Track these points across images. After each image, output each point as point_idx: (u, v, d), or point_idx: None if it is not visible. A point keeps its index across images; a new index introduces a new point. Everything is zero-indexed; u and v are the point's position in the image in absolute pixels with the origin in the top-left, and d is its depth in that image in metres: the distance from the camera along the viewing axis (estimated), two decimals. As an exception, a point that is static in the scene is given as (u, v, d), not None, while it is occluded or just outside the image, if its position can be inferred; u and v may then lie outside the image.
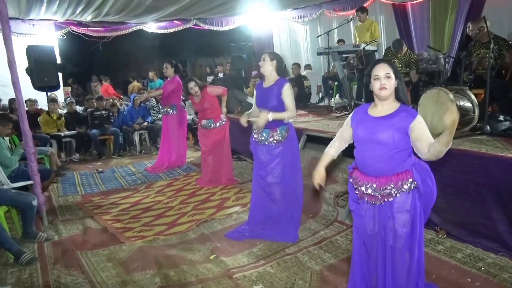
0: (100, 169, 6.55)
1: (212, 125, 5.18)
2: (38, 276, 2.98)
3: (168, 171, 6.18)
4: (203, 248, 3.45)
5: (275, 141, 3.43)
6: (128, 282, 2.89)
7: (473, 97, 3.79)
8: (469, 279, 2.71)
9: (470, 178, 3.11)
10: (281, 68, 3.48)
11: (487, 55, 4.25)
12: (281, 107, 3.39)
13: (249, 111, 3.69)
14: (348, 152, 4.51)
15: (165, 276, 2.93)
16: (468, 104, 3.76)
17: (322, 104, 7.84)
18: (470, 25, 4.79)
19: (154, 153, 7.59)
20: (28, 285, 2.86)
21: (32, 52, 7.15)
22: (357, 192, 2.31)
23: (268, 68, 3.42)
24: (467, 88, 3.95)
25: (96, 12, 6.86)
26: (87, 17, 7.45)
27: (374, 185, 2.17)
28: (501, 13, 4.64)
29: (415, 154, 2.21)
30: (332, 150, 2.52)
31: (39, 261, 3.19)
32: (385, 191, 2.15)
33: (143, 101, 6.94)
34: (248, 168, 5.96)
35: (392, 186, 2.14)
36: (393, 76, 2.11)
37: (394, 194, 2.15)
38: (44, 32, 8.33)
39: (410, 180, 2.14)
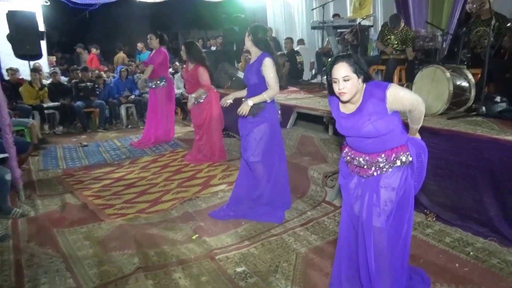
0: (84, 143, 6.35)
1: (196, 100, 5.01)
2: (10, 253, 2.84)
3: (155, 147, 6.01)
4: (186, 228, 3.34)
5: (250, 113, 3.28)
6: (105, 262, 2.77)
7: (470, 76, 3.65)
8: (457, 264, 2.63)
9: (463, 160, 3.00)
10: (258, 40, 3.25)
11: (487, 33, 4.09)
12: (262, 84, 3.25)
13: (238, 92, 3.58)
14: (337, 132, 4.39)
15: (144, 257, 2.82)
16: (465, 84, 3.62)
17: (314, 81, 7.64)
18: (470, 1, 4.59)
19: (141, 127, 7.39)
20: (-2, 263, 2.73)
21: (13, 18, 6.80)
22: (349, 166, 2.19)
23: (248, 44, 3.30)
24: (465, 67, 3.80)
25: (80, -23, 6.48)
26: (71, -19, 7.05)
27: (367, 158, 2.05)
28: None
29: None
30: None
31: (11, 238, 3.05)
32: (377, 163, 2.03)
33: (143, 85, 6.59)
34: (236, 145, 5.80)
35: (385, 159, 2.01)
36: (353, 76, 1.89)
37: (385, 169, 2.02)
38: (25, -3, 7.92)
39: (407, 153, 2.01)
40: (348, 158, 2.16)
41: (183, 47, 4.96)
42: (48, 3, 8.38)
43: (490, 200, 2.87)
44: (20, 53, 6.99)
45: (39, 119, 6.80)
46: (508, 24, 3.89)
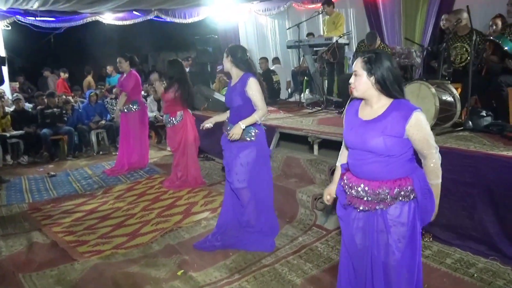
0: (52, 173, 5.92)
1: (168, 123, 4.83)
2: (-33, 309, 2.48)
3: (129, 173, 5.68)
4: (169, 263, 3.06)
5: (241, 139, 3.10)
6: (80, 310, 2.45)
7: (454, 91, 3.64)
8: (463, 289, 2.50)
9: (458, 178, 2.91)
10: (239, 60, 3.11)
11: (464, 49, 4.13)
12: (247, 106, 3.09)
13: (218, 116, 3.42)
14: (326, 152, 4.26)
15: (124, 301, 2.52)
16: (450, 99, 3.60)
17: (292, 99, 7.58)
18: (445, 17, 4.66)
19: (113, 153, 7.03)
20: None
21: (-29, 43, 6.37)
22: (347, 196, 2.00)
23: (227, 66, 3.17)
24: (448, 82, 3.78)
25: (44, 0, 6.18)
26: (33, 4, 6.72)
27: (366, 188, 1.87)
28: (473, 5, 4.53)
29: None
30: (344, 161, 2.09)
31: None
32: (378, 196, 1.85)
33: (117, 117, 6.16)
34: (216, 168, 5.58)
35: (387, 192, 1.83)
36: (362, 73, 1.79)
37: (388, 203, 1.85)
38: (-16, 21, 7.51)
39: (410, 188, 1.83)
40: (346, 187, 1.98)
41: (156, 76, 4.82)
42: (9, 28, 7.97)
43: (489, 217, 2.79)
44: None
45: (1, 150, 6.32)
46: (490, 38, 3.92)
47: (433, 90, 3.44)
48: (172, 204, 4.36)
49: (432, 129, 3.45)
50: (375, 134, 1.79)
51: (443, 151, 3.01)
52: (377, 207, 1.87)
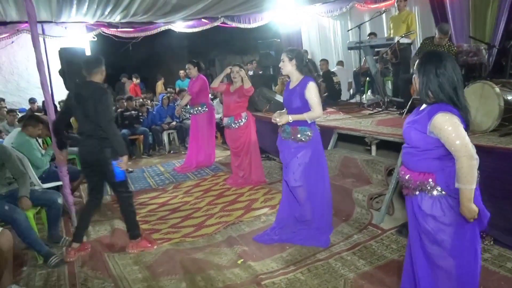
0: (130, 169, 6.58)
1: (233, 124, 5.06)
2: (66, 279, 2.97)
3: (196, 171, 6.13)
4: (231, 252, 3.34)
5: (296, 140, 3.28)
6: (154, 286, 2.82)
7: (522, 90, 3.48)
8: (522, 293, 2.45)
9: (521, 180, 2.83)
10: (303, 65, 3.29)
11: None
12: (304, 107, 3.24)
13: (283, 110, 3.57)
14: (383, 153, 4.28)
15: (191, 281, 2.85)
16: (516, 99, 3.45)
17: (353, 100, 7.57)
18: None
19: (183, 152, 7.58)
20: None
21: (64, 54, 7.21)
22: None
23: (288, 69, 3.29)
24: (515, 81, 3.63)
25: (125, 13, 6.90)
26: (116, 17, 7.52)
27: (403, 172, 2.06)
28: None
29: None
30: None
31: (66, 264, 3.18)
32: (408, 182, 2.01)
33: (179, 112, 6.79)
34: (276, 167, 5.81)
35: (411, 181, 1.98)
36: (415, 74, 1.96)
37: (414, 191, 1.98)
38: (76, 34, 8.52)
39: (431, 183, 1.91)
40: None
41: (237, 68, 4.99)
42: (96, 39, 8.95)
43: (555, 222, 2.68)
44: (70, 87, 7.42)
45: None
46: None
47: (497, 89, 3.34)
48: (235, 200, 4.67)
49: (496, 130, 3.40)
50: (409, 126, 1.99)
51: (506, 153, 2.97)
52: (410, 194, 2.02)
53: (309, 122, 3.25)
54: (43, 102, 7.79)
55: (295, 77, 3.32)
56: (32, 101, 8.15)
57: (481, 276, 2.63)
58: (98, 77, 3.32)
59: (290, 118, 3.23)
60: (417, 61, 1.96)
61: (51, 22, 7.66)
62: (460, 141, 1.78)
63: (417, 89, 1.96)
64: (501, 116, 3.36)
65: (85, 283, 2.88)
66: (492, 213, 3.03)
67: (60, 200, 3.59)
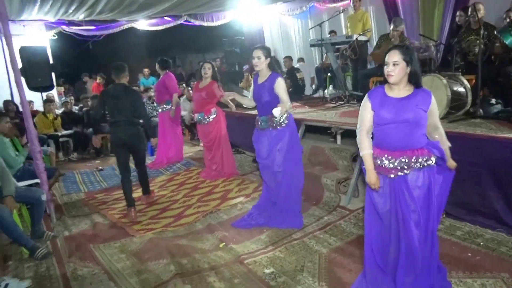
0: (100, 167, 6.59)
1: (203, 120, 5.20)
2: (55, 269, 3.06)
3: (168, 166, 6.25)
4: (212, 238, 3.55)
5: (274, 125, 3.53)
6: (143, 271, 2.98)
7: (465, 82, 3.95)
8: (469, 254, 2.86)
9: (466, 159, 3.24)
10: (272, 62, 3.55)
11: (477, 41, 4.41)
12: (274, 101, 3.48)
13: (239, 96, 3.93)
14: (348, 141, 4.64)
15: (179, 264, 3.04)
16: (461, 89, 3.91)
17: (316, 95, 7.96)
18: (460, 13, 4.94)
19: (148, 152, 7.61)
20: (46, 277, 2.94)
21: (25, 53, 7.11)
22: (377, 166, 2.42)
23: (262, 65, 3.51)
24: (460, 73, 4.10)
25: (90, 11, 6.84)
26: (80, 16, 7.42)
27: (390, 157, 2.32)
28: (487, 0, 4.79)
29: None
30: (369, 149, 2.40)
31: (53, 255, 3.26)
32: (398, 163, 2.29)
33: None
34: (247, 160, 6.07)
35: (406, 160, 2.28)
36: (401, 63, 2.23)
37: (406, 168, 2.28)
38: (35, 32, 8.29)
39: (425, 157, 2.28)
40: (375, 161, 2.40)
41: (208, 65, 5.15)
42: (56, 37, 8.75)
43: (495, 194, 3.12)
44: (33, 86, 7.26)
45: (54, 147, 7.04)
46: (496, 32, 4.21)
47: (445, 81, 3.78)
48: (210, 191, 4.87)
49: (444, 117, 3.84)
50: (411, 107, 2.26)
51: (454, 136, 3.40)
52: (398, 174, 2.30)
53: (286, 108, 3.47)
54: (4, 102, 7.60)
55: (264, 73, 3.56)
56: (-11, 101, 7.85)
57: (436, 243, 3.06)
58: (125, 79, 4.29)
59: (277, 113, 3.37)
60: (402, 52, 2.23)
61: (9, 20, 7.41)
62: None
63: (399, 75, 2.24)
64: (449, 105, 3.80)
65: (75, 272, 2.99)
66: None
67: (43, 197, 3.64)
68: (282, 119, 3.51)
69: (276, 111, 3.32)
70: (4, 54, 8.17)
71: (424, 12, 6.46)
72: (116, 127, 4.15)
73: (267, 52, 3.52)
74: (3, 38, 8.00)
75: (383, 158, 2.34)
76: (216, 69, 5.32)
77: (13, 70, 3.74)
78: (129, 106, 4.10)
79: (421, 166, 2.28)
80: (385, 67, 2.28)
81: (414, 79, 2.28)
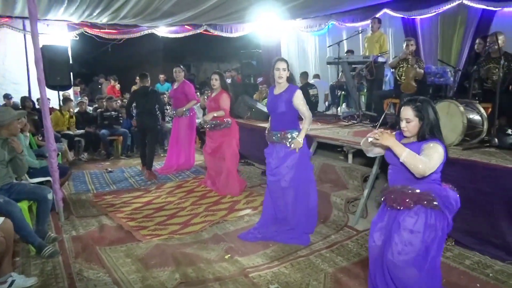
0: (109, 169, 6.64)
1: (215, 126, 5.12)
2: (61, 268, 3.07)
3: (177, 173, 6.28)
4: (218, 248, 3.54)
5: (286, 141, 3.55)
6: (148, 277, 2.98)
7: (482, 110, 3.93)
8: (478, 285, 2.82)
9: (479, 187, 3.23)
10: (292, 76, 3.61)
11: (496, 69, 4.41)
12: (290, 113, 3.53)
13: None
14: (359, 161, 4.63)
15: (184, 273, 3.03)
16: (477, 117, 3.90)
17: (329, 112, 7.96)
18: (478, 41, 4.95)
19: (161, 154, 7.68)
20: (52, 276, 2.95)
21: (47, 52, 7.23)
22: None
23: (283, 77, 3.54)
24: (477, 101, 4.08)
25: (114, 15, 6.98)
26: (103, 19, 7.57)
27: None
28: (508, 30, 4.78)
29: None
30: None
31: (60, 255, 3.28)
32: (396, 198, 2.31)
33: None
34: (256, 172, 6.07)
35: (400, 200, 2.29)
36: (414, 120, 2.25)
37: (401, 207, 2.30)
38: (57, 32, 8.46)
39: (424, 201, 2.25)
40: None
41: (217, 76, 5.17)
42: (77, 38, 8.92)
43: (507, 225, 3.08)
44: (51, 84, 7.39)
45: (67, 146, 7.13)
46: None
47: (462, 108, 3.77)
48: (218, 201, 4.87)
49: (459, 144, 3.81)
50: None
51: (468, 164, 3.37)
52: (397, 208, 2.33)
53: (307, 129, 3.57)
54: (21, 98, 7.75)
55: (282, 85, 3.59)
56: (7, 97, 8.01)
57: (443, 271, 3.01)
58: (147, 83, 6.33)
59: (301, 140, 3.53)
60: (414, 108, 2.24)
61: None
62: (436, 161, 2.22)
63: (412, 132, 2.28)
64: (464, 132, 3.78)
65: (80, 273, 3.00)
66: (454, 217, 3.45)
67: (50, 196, 3.66)
68: (294, 136, 3.53)
69: (295, 145, 3.50)
70: (26, 51, 8.39)
71: (443, 37, 6.48)
72: (141, 116, 6.13)
73: (288, 64, 3.56)
74: (27, 36, 8.27)
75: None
76: (225, 79, 5.37)
77: (37, 68, 3.82)
78: (150, 101, 6.14)
79: (417, 210, 2.28)
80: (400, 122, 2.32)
81: (421, 133, 2.26)
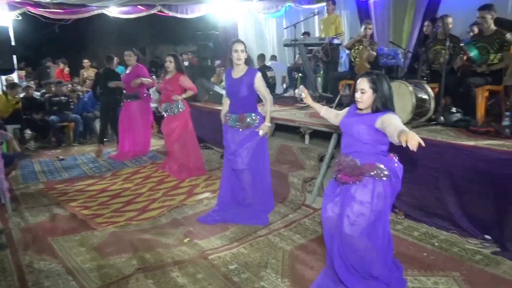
0: (61, 157, 6.34)
1: (169, 110, 5.05)
2: (9, 262, 2.92)
3: (134, 159, 6.11)
4: (177, 232, 3.52)
5: (243, 126, 3.55)
6: (104, 265, 2.91)
7: (429, 90, 4.12)
8: (425, 254, 3.00)
9: (426, 163, 3.40)
10: (250, 58, 3.58)
11: (443, 51, 4.61)
12: (251, 96, 3.51)
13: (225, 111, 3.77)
14: (316, 142, 4.73)
15: (141, 259, 2.98)
16: (425, 96, 4.08)
17: (287, 94, 8.03)
18: (428, 23, 5.14)
19: (116, 140, 7.41)
20: (-1, 271, 2.81)
21: (-15, 33, 6.72)
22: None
23: (242, 60, 3.48)
24: (425, 81, 4.26)
25: (59, -7, 6.56)
26: (49, -3, 7.09)
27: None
28: (454, 13, 5.01)
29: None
30: (324, 109, 2.92)
31: (7, 247, 3.11)
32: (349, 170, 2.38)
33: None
34: (215, 155, 6.04)
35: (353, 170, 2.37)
36: (368, 91, 2.32)
37: (354, 180, 2.37)
38: (-4, 11, 7.83)
39: (372, 172, 2.33)
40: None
41: (171, 58, 5.05)
42: (20, 18, 8.31)
43: (451, 198, 3.29)
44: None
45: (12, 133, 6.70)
46: (461, 44, 4.41)
47: (411, 88, 3.92)
48: (176, 186, 4.81)
49: (408, 123, 3.99)
50: (357, 123, 2.40)
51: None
52: (348, 182, 2.41)
53: (271, 111, 3.61)
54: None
55: (241, 67, 3.54)
56: None
57: (394, 243, 3.16)
58: (112, 65, 6.67)
59: (269, 124, 3.59)
60: (370, 80, 2.31)
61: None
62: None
63: (367, 103, 2.33)
64: (413, 111, 3.95)
65: (30, 265, 2.87)
66: (404, 193, 3.63)
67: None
68: (252, 119, 3.53)
69: (264, 130, 3.56)
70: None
71: (395, 20, 6.68)
72: (104, 97, 6.42)
73: (246, 46, 3.52)
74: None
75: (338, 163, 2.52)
76: (181, 61, 5.23)
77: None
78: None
79: (367, 181, 2.37)
80: (355, 92, 2.38)
81: (375, 105, 2.32)
